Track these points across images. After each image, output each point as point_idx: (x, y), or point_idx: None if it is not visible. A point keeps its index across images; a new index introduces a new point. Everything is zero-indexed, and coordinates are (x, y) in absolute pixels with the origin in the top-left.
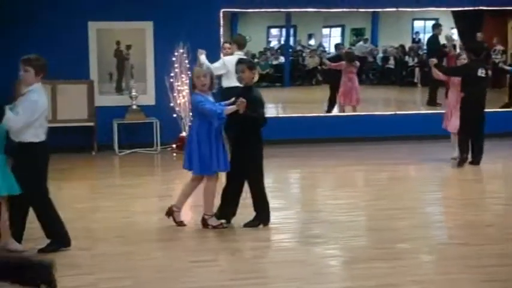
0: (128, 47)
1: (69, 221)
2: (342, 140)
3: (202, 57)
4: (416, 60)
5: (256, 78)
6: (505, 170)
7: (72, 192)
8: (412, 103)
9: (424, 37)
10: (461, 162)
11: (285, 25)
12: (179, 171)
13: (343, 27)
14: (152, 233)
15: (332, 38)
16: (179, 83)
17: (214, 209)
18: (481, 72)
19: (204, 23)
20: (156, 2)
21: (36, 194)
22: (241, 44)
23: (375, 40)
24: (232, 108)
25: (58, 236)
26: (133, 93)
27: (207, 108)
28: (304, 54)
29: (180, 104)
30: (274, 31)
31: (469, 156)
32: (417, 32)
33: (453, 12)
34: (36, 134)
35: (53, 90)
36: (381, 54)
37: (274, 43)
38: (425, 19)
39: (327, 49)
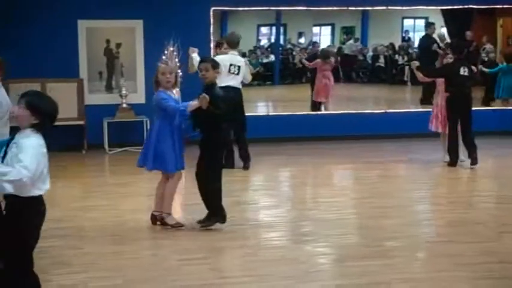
0: (118, 45)
1: (60, 220)
2: (332, 138)
3: (195, 55)
4: (406, 58)
5: (217, 77)
6: (494, 168)
7: (62, 191)
8: (402, 101)
9: (414, 35)
10: (451, 164)
11: (275, 23)
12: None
13: (333, 25)
14: (142, 232)
15: (322, 37)
16: None
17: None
18: (463, 71)
19: (195, 22)
20: (146, 1)
21: None
22: (231, 42)
23: (365, 38)
24: (195, 104)
25: None
26: (123, 92)
27: (170, 105)
28: (294, 53)
29: None
30: (264, 29)
31: (463, 157)
32: (407, 31)
33: (443, 10)
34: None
35: (43, 88)
36: (370, 53)
37: (264, 41)
38: (415, 17)
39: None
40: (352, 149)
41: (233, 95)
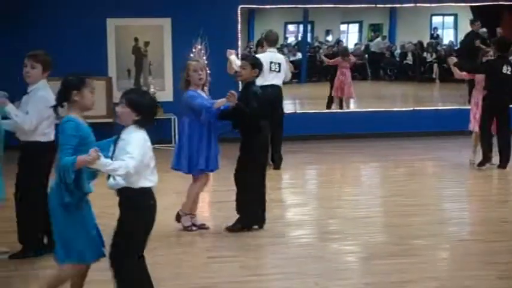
0: (146, 43)
1: None
2: (359, 136)
3: (233, 57)
4: (434, 56)
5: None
6: None
7: (95, 188)
8: (430, 99)
9: (443, 33)
10: (483, 162)
11: (302, 21)
12: None
13: (361, 23)
14: (171, 229)
15: (350, 34)
16: None
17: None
18: (506, 69)
19: (222, 20)
20: None
21: (31, 193)
22: (272, 41)
23: (392, 36)
24: (222, 101)
25: (27, 243)
26: (152, 90)
27: (197, 102)
28: (321, 51)
29: None
30: (291, 27)
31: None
32: (435, 28)
33: (472, 7)
34: (45, 133)
35: None
36: (398, 50)
37: (291, 39)
38: (443, 15)
39: (345, 45)
40: (380, 147)
41: (271, 92)
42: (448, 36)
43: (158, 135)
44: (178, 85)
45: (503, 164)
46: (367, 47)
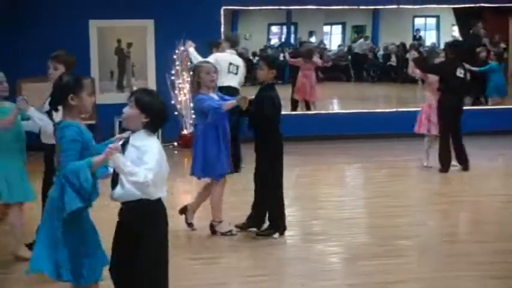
0: (129, 45)
1: None
2: (343, 137)
3: (192, 50)
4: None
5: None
6: (505, 167)
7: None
8: (413, 100)
9: (425, 34)
10: (443, 171)
11: (285, 22)
12: (180, 168)
13: (344, 24)
14: None
15: (333, 36)
16: (180, 81)
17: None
18: (459, 72)
19: (205, 21)
20: (157, 0)
21: None
22: (233, 42)
23: (375, 37)
24: (232, 103)
25: None
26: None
27: (207, 104)
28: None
29: (181, 101)
30: (274, 29)
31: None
32: (418, 29)
33: (454, 9)
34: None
35: None
36: (381, 52)
37: (274, 41)
38: (426, 16)
39: (327, 47)
40: (363, 148)
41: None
42: (430, 38)
43: None
44: (162, 86)
45: (466, 167)
46: (350, 48)
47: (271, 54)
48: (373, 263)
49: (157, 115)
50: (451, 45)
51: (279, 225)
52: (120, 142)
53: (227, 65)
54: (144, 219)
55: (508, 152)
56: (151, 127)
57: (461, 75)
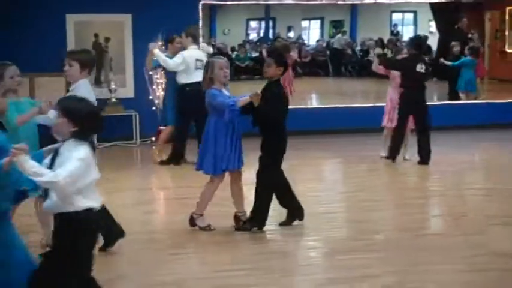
0: (107, 39)
1: None
2: (321, 132)
3: (157, 51)
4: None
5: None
6: (481, 160)
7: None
8: None
9: (403, 29)
10: (389, 158)
11: (264, 17)
12: (158, 163)
13: (322, 19)
14: (131, 226)
15: (312, 31)
16: (158, 76)
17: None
18: (420, 68)
19: (183, 16)
20: None
21: None
22: (195, 37)
23: (353, 32)
24: (245, 99)
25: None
26: (112, 86)
27: (220, 100)
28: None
29: (159, 96)
30: (253, 24)
31: (408, 156)
32: (395, 25)
33: (431, 4)
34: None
35: (31, 83)
36: (359, 47)
37: (253, 36)
38: (403, 11)
39: (306, 42)
40: (341, 143)
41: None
42: (408, 33)
43: (119, 132)
44: (140, 82)
45: (425, 161)
46: (328, 43)
47: (278, 50)
48: (351, 257)
49: (86, 123)
50: (413, 41)
51: (260, 220)
52: (49, 154)
53: (194, 61)
54: (65, 232)
55: (484, 146)
56: (80, 135)
57: (422, 71)
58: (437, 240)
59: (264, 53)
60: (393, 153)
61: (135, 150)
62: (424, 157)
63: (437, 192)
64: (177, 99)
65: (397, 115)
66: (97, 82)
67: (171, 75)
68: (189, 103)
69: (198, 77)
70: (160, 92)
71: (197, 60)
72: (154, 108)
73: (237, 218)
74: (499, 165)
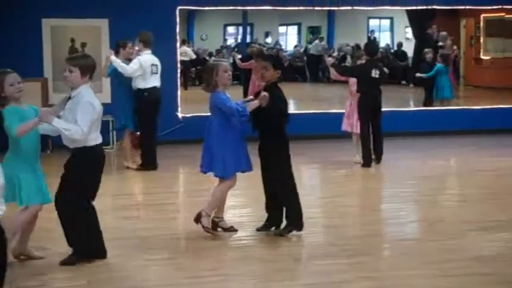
0: (83, 44)
1: None
2: (299, 137)
3: (114, 58)
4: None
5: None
6: (457, 167)
7: None
8: None
9: (380, 35)
10: (365, 165)
11: (241, 23)
12: (135, 169)
13: (299, 25)
14: (107, 232)
15: (289, 36)
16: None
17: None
18: (374, 73)
19: (161, 21)
20: (112, 0)
21: (77, 201)
22: (146, 42)
23: (331, 38)
24: (255, 103)
25: (79, 250)
26: None
27: (231, 106)
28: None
29: None
30: (230, 29)
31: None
32: (372, 31)
33: (407, 11)
34: (95, 137)
35: None
36: (336, 53)
37: (231, 41)
38: (380, 18)
39: (283, 47)
40: (319, 148)
41: (158, 94)
42: (384, 39)
43: None
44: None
45: (378, 160)
46: (306, 49)
47: (274, 54)
48: (328, 263)
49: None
50: (366, 47)
51: (298, 221)
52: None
53: (150, 66)
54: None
55: (460, 151)
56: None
57: (377, 76)
58: (413, 245)
59: (238, 62)
60: (368, 160)
61: (111, 156)
62: (378, 159)
63: (414, 198)
64: (136, 104)
65: (359, 121)
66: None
67: (121, 81)
68: (148, 107)
69: (154, 81)
70: None
71: (152, 65)
72: None
73: (214, 223)
74: (475, 170)
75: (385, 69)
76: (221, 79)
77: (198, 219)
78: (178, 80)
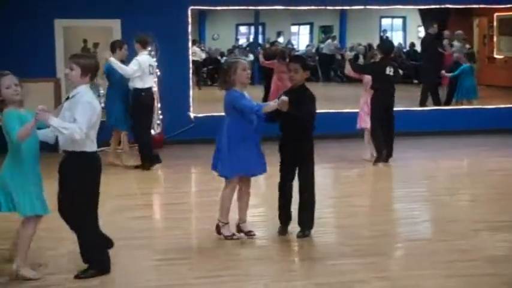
0: (95, 45)
1: None
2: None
3: (113, 59)
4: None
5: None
6: (468, 167)
7: None
8: None
9: (392, 35)
10: (378, 160)
11: (253, 23)
12: (159, 165)
13: (311, 24)
14: (117, 232)
15: (301, 36)
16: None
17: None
18: (389, 71)
19: (173, 21)
20: (123, 0)
21: (80, 211)
22: (146, 43)
23: (343, 38)
24: (273, 106)
25: (95, 262)
26: (101, 92)
27: (246, 104)
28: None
29: None
30: (242, 29)
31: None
32: (385, 30)
33: (420, 10)
34: (92, 141)
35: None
36: (348, 52)
37: (242, 41)
38: (392, 17)
39: (296, 47)
40: (332, 148)
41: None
42: (397, 38)
43: (108, 137)
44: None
45: (386, 158)
46: (318, 48)
47: (303, 55)
48: (340, 263)
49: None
50: (380, 45)
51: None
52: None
53: (148, 66)
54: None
55: (473, 151)
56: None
57: (391, 73)
58: (424, 245)
59: (261, 58)
60: (381, 152)
61: (123, 156)
62: (387, 155)
63: (425, 198)
64: (132, 104)
65: (371, 118)
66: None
67: (113, 82)
68: (146, 107)
69: (151, 82)
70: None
71: (150, 65)
72: None
73: (238, 226)
74: (487, 170)
75: (399, 70)
76: (239, 77)
77: (218, 231)
78: (191, 80)
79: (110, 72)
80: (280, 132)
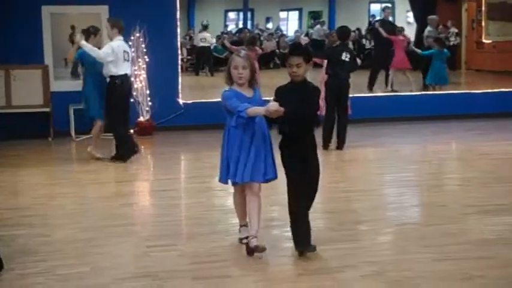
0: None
1: (27, 208)
2: None
3: (84, 42)
4: (373, 43)
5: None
6: (458, 151)
7: (28, 179)
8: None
9: None
10: (324, 147)
11: (242, 8)
12: (137, 156)
13: (300, 10)
14: (109, 219)
15: (290, 22)
16: (136, 68)
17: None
18: (345, 57)
19: (161, 7)
20: None
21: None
22: (121, 28)
23: (332, 23)
24: (259, 111)
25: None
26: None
27: (231, 104)
28: (262, 38)
29: (137, 88)
30: (231, 15)
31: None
32: (373, 15)
33: None
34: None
35: (7, 75)
36: (303, 37)
37: (231, 27)
38: (381, 2)
39: (284, 32)
40: (319, 133)
41: (130, 82)
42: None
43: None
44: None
45: (340, 146)
46: (307, 34)
47: (305, 47)
48: (329, 248)
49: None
50: (337, 31)
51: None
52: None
53: (122, 52)
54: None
55: (461, 135)
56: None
57: (347, 59)
58: (415, 229)
59: (228, 44)
60: (326, 143)
61: (113, 143)
62: (341, 143)
63: (415, 182)
64: (107, 93)
65: (325, 103)
66: (73, 74)
67: (88, 71)
68: (121, 95)
69: (126, 68)
70: (138, 84)
71: (125, 51)
72: (132, 100)
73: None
74: (477, 154)
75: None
76: (232, 75)
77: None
78: (179, 67)
79: (84, 58)
80: (282, 131)
